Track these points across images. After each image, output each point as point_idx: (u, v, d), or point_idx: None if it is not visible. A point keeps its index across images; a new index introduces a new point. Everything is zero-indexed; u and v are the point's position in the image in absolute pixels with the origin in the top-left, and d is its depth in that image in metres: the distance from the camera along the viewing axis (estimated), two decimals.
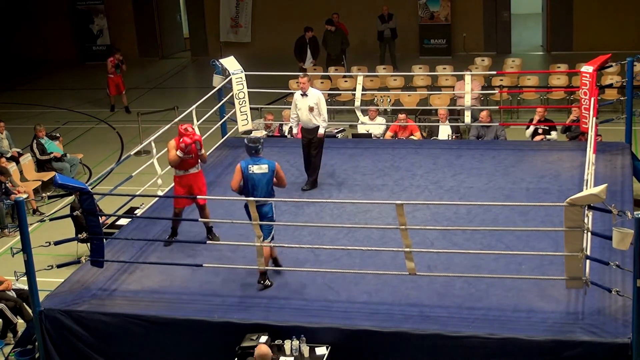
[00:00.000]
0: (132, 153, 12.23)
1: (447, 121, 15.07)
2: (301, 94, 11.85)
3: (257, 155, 9.51)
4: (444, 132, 14.91)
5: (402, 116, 14.86)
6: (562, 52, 22.85)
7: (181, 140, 10.10)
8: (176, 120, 13.31)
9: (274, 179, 9.49)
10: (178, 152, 10.11)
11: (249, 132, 14.69)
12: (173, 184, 10.64)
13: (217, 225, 10.50)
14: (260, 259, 9.06)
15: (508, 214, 10.59)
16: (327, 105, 12.12)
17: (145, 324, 8.93)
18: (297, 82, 19.13)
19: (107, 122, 19.97)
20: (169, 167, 12.53)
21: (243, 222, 10.12)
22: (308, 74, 12.88)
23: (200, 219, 10.12)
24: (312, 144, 11.97)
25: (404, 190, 11.78)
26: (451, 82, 18.27)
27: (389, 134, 14.98)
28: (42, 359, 9.25)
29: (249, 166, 9.42)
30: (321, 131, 11.97)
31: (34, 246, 9.00)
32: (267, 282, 9.32)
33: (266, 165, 9.43)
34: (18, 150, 16.45)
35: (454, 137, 14.86)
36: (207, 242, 10.06)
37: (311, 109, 11.81)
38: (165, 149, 12.47)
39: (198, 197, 10.11)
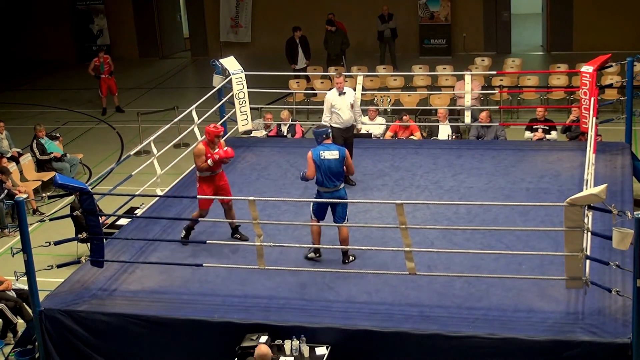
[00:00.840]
0: (132, 153, 12.23)
1: (447, 121, 15.07)
2: (339, 94, 11.80)
3: (327, 141, 9.69)
4: (444, 132, 14.90)
5: (406, 117, 14.88)
6: (562, 52, 22.85)
7: (214, 153, 10.10)
8: (176, 120, 13.34)
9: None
10: (209, 162, 10.11)
11: (249, 132, 14.70)
12: (196, 184, 10.50)
13: (218, 225, 10.50)
14: (260, 259, 9.05)
15: (508, 214, 10.58)
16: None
17: (145, 324, 8.92)
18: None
19: (107, 122, 19.95)
20: (169, 166, 12.66)
21: (243, 222, 10.15)
22: (342, 73, 12.79)
23: (201, 219, 10.12)
24: (347, 143, 11.84)
25: (404, 190, 11.78)
26: (451, 82, 18.25)
27: (389, 134, 14.98)
28: (42, 359, 9.24)
29: (320, 152, 9.61)
30: (359, 125, 12.17)
31: (34, 246, 8.99)
32: (352, 257, 9.76)
33: (337, 151, 9.64)
34: (18, 150, 16.42)
35: (454, 137, 14.85)
36: (207, 241, 10.05)
37: (351, 106, 11.84)
38: (165, 149, 12.59)
39: (198, 196, 10.10)
